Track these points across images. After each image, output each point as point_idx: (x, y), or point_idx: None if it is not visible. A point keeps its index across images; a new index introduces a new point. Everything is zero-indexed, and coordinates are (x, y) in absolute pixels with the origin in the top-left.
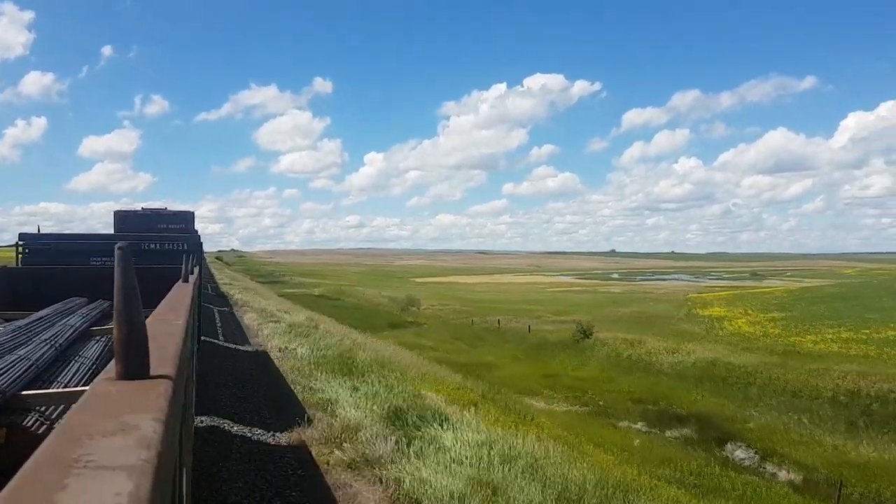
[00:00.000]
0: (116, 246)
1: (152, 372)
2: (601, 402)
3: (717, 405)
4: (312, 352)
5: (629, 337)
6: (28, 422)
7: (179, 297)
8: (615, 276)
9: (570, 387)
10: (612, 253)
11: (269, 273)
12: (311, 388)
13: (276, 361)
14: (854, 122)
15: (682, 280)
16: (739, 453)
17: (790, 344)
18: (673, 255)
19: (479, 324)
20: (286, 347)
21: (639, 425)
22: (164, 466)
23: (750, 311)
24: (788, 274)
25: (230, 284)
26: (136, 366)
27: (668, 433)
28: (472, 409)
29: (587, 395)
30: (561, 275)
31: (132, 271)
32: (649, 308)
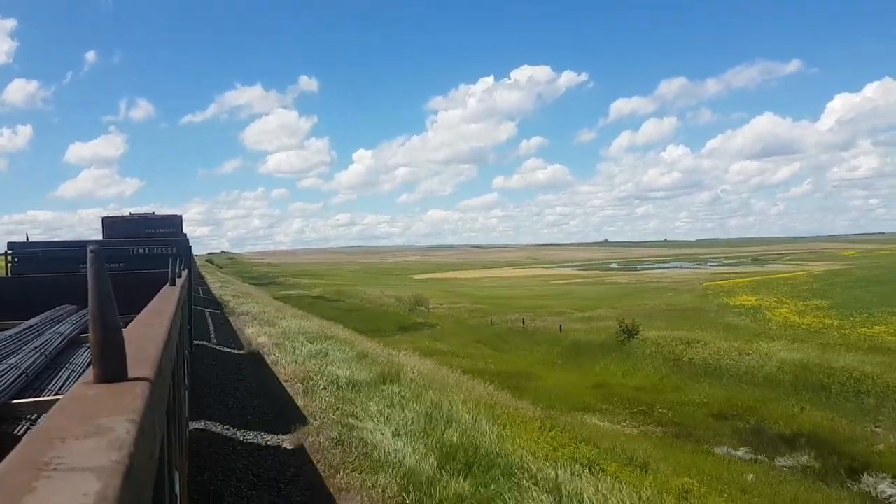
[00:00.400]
0: (88, 249)
1: (130, 374)
2: (675, 419)
3: (826, 420)
4: (349, 374)
5: (683, 335)
6: (19, 431)
7: (165, 301)
8: (614, 265)
9: (629, 399)
10: (605, 243)
11: (262, 275)
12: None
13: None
14: (840, 104)
15: (685, 268)
16: (885, 488)
17: (869, 336)
18: (666, 244)
19: (498, 323)
20: (310, 376)
21: (740, 451)
22: (137, 467)
23: (785, 300)
24: (788, 258)
25: (222, 288)
26: (112, 369)
27: (779, 461)
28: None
29: (654, 410)
30: (560, 266)
31: (105, 274)
32: (672, 299)
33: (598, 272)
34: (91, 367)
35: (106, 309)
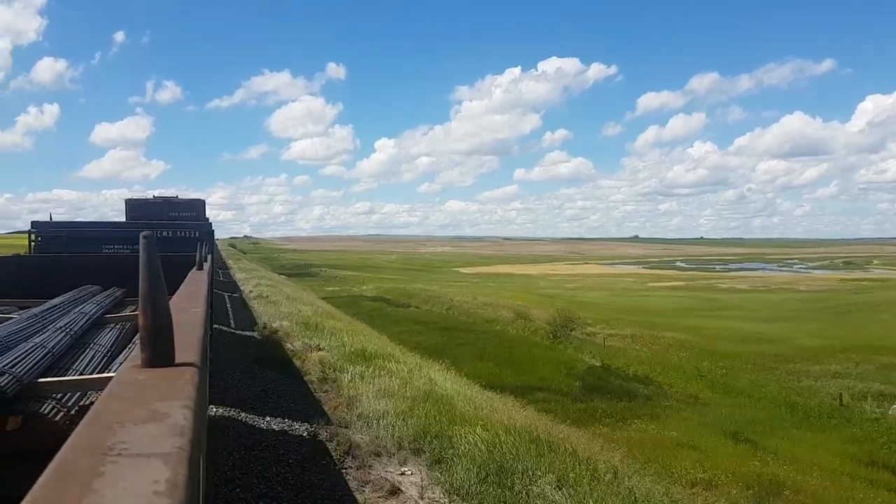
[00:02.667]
0: (142, 234)
1: (177, 359)
2: None
3: None
4: None
5: None
6: (45, 409)
7: (196, 286)
8: (679, 263)
9: None
10: (636, 238)
11: (291, 263)
12: None
13: None
14: (872, 106)
15: (784, 270)
16: None
17: None
18: (703, 241)
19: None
20: None
21: None
22: (195, 454)
23: None
24: (876, 262)
25: (249, 278)
26: (162, 353)
27: None
28: None
29: None
30: (615, 263)
31: (157, 259)
32: None
33: (676, 272)
34: (132, 349)
35: (157, 294)
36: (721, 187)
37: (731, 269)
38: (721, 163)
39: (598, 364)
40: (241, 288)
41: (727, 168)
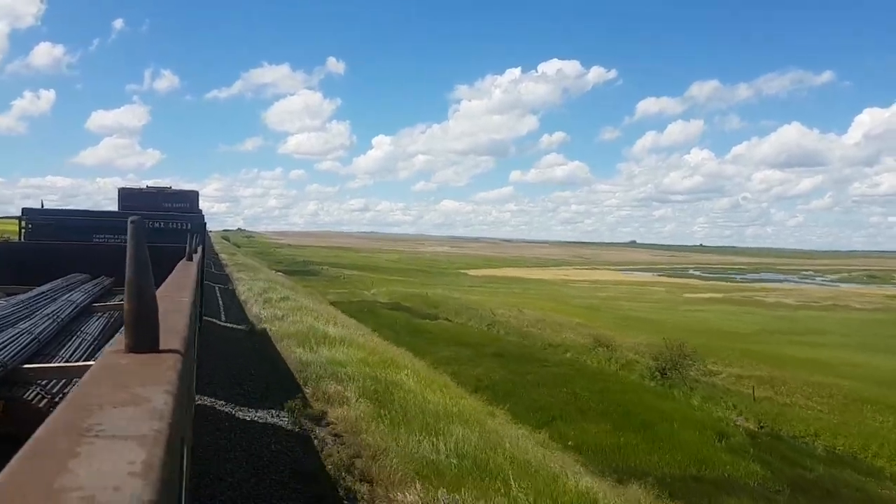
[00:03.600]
0: (130, 220)
1: (161, 346)
2: None
3: None
4: None
5: None
6: (29, 395)
7: (184, 276)
8: (692, 271)
9: None
10: (634, 244)
11: (288, 259)
12: None
13: None
14: (869, 119)
15: (808, 282)
16: None
17: None
18: (702, 248)
19: None
20: None
21: None
22: (174, 438)
23: None
24: None
25: (245, 277)
26: (145, 339)
27: None
28: None
29: None
30: (635, 269)
31: (144, 245)
32: None
33: (699, 281)
34: (117, 335)
35: (143, 280)
36: (716, 195)
37: (751, 280)
38: (717, 171)
39: (760, 429)
40: (248, 303)
41: (723, 176)
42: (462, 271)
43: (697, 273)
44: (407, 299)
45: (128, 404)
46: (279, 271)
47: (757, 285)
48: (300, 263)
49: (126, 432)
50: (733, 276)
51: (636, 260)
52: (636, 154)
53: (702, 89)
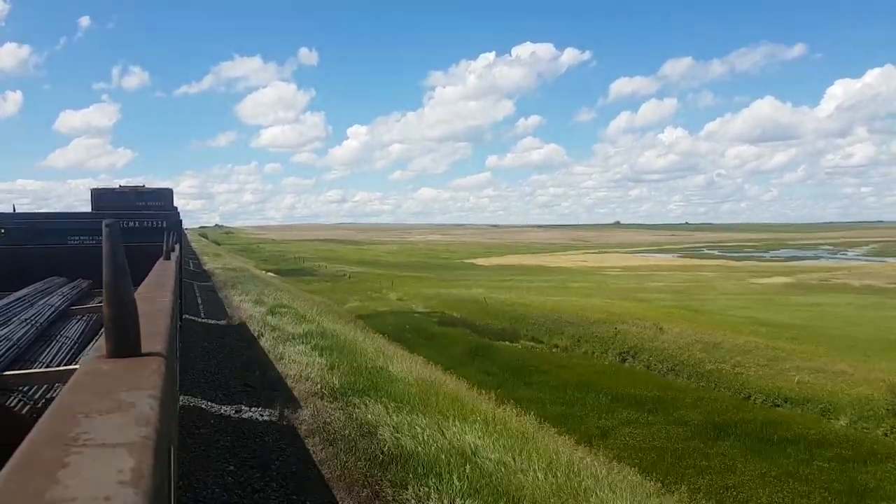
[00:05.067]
0: (104, 223)
1: (143, 349)
2: None
3: None
4: None
5: None
6: (10, 402)
7: (163, 275)
8: (706, 250)
9: None
10: (617, 224)
11: (276, 256)
12: None
13: None
14: (841, 91)
15: (839, 258)
16: None
17: None
18: (687, 226)
19: None
20: None
21: None
22: (161, 444)
23: None
24: None
25: (232, 280)
26: (126, 343)
27: None
28: None
29: None
30: (650, 251)
31: (121, 248)
32: None
33: (732, 262)
34: (98, 340)
35: (121, 283)
36: (691, 173)
37: (784, 258)
38: (691, 148)
39: None
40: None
41: (697, 154)
42: (467, 261)
43: (716, 252)
44: (451, 306)
45: (113, 411)
46: (269, 271)
47: (801, 264)
48: (291, 261)
49: (114, 440)
50: (752, 253)
51: (638, 241)
52: (611, 135)
53: (675, 67)
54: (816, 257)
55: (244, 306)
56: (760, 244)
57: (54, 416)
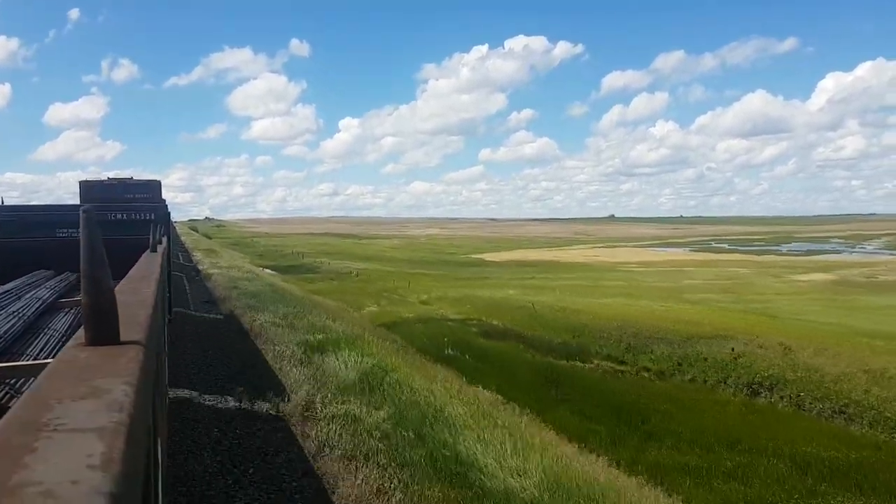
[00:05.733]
0: (81, 210)
1: (123, 338)
2: None
3: None
4: None
5: None
6: None
7: (148, 267)
8: (717, 245)
9: None
10: (612, 218)
11: (272, 251)
12: None
13: None
14: (832, 84)
15: (859, 251)
16: None
17: None
18: (682, 220)
19: None
20: None
21: None
22: (136, 429)
23: None
24: None
25: (243, 292)
26: (105, 332)
27: None
28: None
29: None
30: (661, 245)
31: (98, 236)
32: None
33: (753, 257)
34: (82, 330)
35: (99, 271)
36: (681, 166)
37: (805, 252)
38: (682, 142)
39: None
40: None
41: (688, 147)
42: (474, 256)
43: (727, 246)
44: (487, 311)
45: (87, 397)
46: (266, 268)
47: (828, 259)
48: (289, 256)
49: (85, 425)
50: (765, 247)
51: (640, 234)
52: (603, 129)
53: (667, 61)
54: (836, 251)
55: (285, 350)
56: (767, 237)
57: (27, 402)
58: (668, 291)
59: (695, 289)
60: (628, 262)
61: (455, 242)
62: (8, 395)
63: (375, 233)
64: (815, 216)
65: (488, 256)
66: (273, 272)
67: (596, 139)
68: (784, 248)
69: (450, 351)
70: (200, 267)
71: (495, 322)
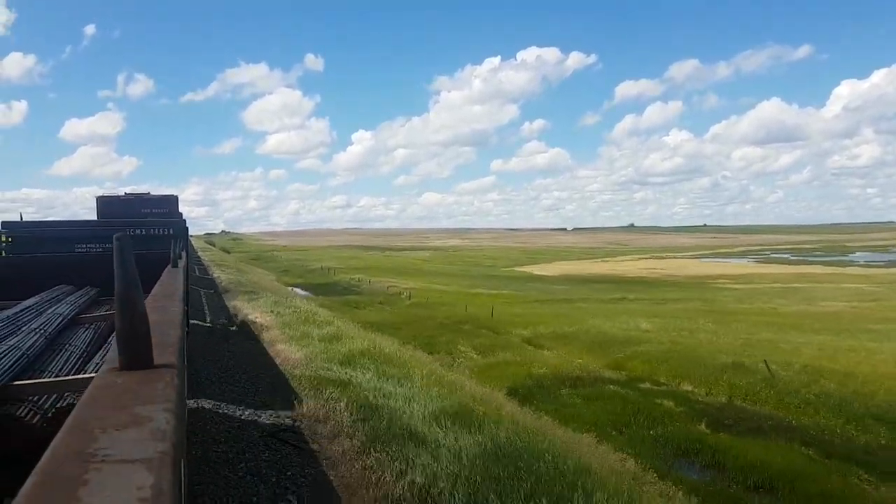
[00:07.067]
0: (115, 237)
1: (156, 361)
2: None
3: None
4: None
5: None
6: (21, 412)
7: (172, 283)
8: (771, 254)
9: None
10: (632, 227)
11: (299, 267)
12: None
13: None
14: (847, 91)
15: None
16: None
17: None
18: (705, 228)
19: None
20: None
21: None
22: (178, 459)
23: None
24: None
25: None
26: (139, 356)
27: None
28: None
29: None
30: (701, 256)
31: (132, 260)
32: None
33: (835, 269)
34: (108, 350)
35: (133, 296)
36: (696, 175)
37: (881, 264)
38: (697, 150)
39: None
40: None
41: (702, 156)
42: (519, 269)
43: (790, 256)
44: (660, 367)
45: (130, 426)
46: (295, 286)
47: None
48: (318, 272)
49: (132, 456)
50: (831, 257)
51: (681, 244)
52: (616, 138)
53: (681, 69)
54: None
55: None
56: (819, 246)
57: (71, 430)
58: (840, 320)
59: (865, 317)
60: (720, 275)
61: (486, 254)
62: (31, 412)
63: (396, 244)
64: (831, 224)
65: (534, 269)
66: (308, 293)
67: (609, 148)
68: (857, 258)
69: (691, 468)
70: (215, 273)
71: (691, 389)
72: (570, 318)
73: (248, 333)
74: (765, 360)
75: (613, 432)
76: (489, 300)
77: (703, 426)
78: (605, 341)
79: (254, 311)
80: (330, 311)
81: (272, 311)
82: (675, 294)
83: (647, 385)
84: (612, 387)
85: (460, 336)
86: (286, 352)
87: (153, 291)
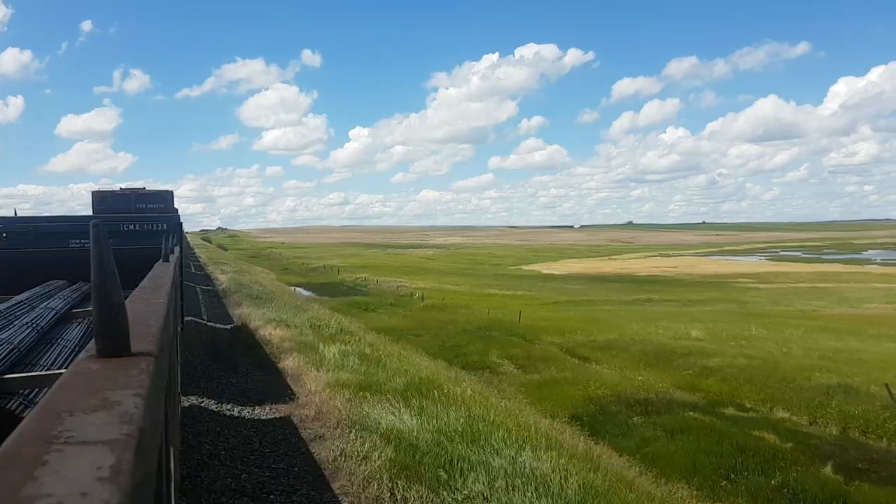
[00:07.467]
0: (91, 224)
1: (134, 349)
2: None
3: None
4: None
5: None
6: (11, 405)
7: (160, 277)
8: (781, 252)
9: None
10: (630, 224)
11: (299, 265)
12: None
13: None
14: (845, 88)
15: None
16: None
17: None
18: (704, 226)
19: None
20: None
21: None
22: (147, 441)
23: None
24: None
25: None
26: (116, 343)
27: None
28: None
29: None
30: (706, 254)
31: (108, 249)
32: None
33: (854, 267)
34: (93, 342)
35: (109, 283)
36: (692, 172)
37: (866, 259)
38: (693, 148)
39: None
40: None
41: (699, 153)
42: (527, 268)
43: (801, 254)
44: (732, 385)
45: (98, 409)
46: (297, 286)
47: None
48: (320, 271)
49: (95, 437)
50: (843, 255)
51: (685, 241)
52: (613, 135)
53: (679, 66)
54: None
55: None
56: (827, 244)
57: (38, 415)
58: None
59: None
60: (737, 273)
61: (490, 251)
62: (21, 406)
63: (397, 242)
64: (828, 222)
65: (542, 268)
66: (311, 293)
67: (606, 146)
68: (871, 256)
69: None
70: (210, 269)
71: (788, 416)
72: (603, 323)
73: (262, 360)
74: (885, 384)
75: (723, 481)
76: (506, 301)
77: (829, 471)
78: (659, 353)
79: (266, 325)
80: (346, 318)
81: (288, 325)
82: (698, 294)
83: (733, 411)
84: (692, 413)
85: (491, 345)
86: (322, 395)
87: (141, 284)
